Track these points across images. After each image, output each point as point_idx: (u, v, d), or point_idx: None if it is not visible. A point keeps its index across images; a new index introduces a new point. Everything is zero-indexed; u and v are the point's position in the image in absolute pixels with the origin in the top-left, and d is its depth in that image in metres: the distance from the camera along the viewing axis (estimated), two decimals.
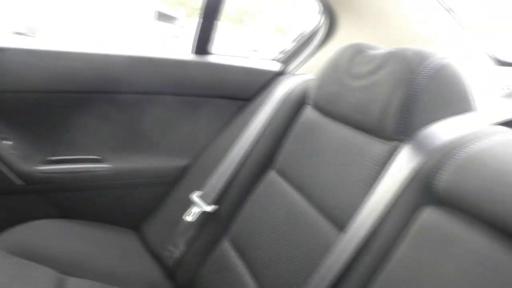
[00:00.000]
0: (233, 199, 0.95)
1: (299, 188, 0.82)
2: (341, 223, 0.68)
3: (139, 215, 1.13)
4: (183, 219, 0.97)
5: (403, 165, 0.61)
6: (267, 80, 1.17)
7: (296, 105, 0.95)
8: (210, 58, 1.15)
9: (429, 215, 0.54)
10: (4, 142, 0.98)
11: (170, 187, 1.13)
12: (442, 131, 0.61)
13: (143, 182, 1.11)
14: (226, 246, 0.91)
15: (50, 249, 0.91)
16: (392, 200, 0.60)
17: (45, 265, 0.86)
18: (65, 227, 1.01)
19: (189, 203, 0.98)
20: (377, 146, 0.68)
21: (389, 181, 0.62)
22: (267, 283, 0.75)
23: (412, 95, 0.64)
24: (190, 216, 0.96)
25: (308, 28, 1.22)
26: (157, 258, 1.02)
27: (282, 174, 0.88)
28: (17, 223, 0.96)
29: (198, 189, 0.99)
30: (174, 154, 1.15)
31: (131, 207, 1.12)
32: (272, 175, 0.91)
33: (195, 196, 0.98)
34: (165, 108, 1.13)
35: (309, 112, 0.90)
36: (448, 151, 0.56)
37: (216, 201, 0.95)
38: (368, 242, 0.60)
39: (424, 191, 0.56)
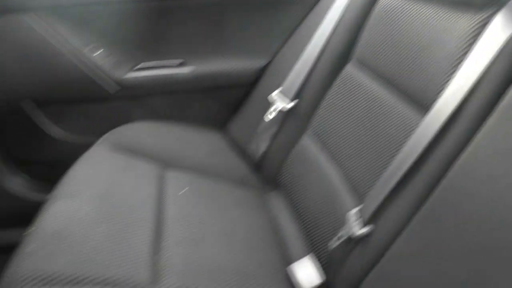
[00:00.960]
0: (312, 94, 0.96)
1: (379, 76, 0.80)
2: (424, 106, 0.66)
3: (224, 116, 1.20)
4: (265, 117, 1.02)
5: (494, 36, 0.56)
6: None
7: None
8: None
9: None
10: (97, 51, 1.07)
11: (251, 87, 1.17)
12: None
13: (225, 84, 1.16)
14: (308, 139, 0.94)
15: (148, 146, 1.02)
16: (481, 75, 0.56)
17: (148, 160, 0.97)
18: (158, 128, 1.11)
19: (270, 102, 1.02)
20: (465, 19, 0.63)
21: (478, 56, 0.58)
22: (349, 172, 0.78)
23: None
24: (272, 113, 1.00)
25: None
26: (243, 154, 1.09)
27: (361, 64, 0.87)
28: (115, 127, 1.07)
29: (277, 87, 1.02)
30: (253, 55, 1.17)
31: (215, 108, 1.18)
32: (351, 67, 0.89)
33: (275, 94, 1.01)
34: (241, 10, 1.13)
35: None
36: None
37: (296, 97, 0.97)
38: (453, 120, 0.58)
39: None
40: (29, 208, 0.76)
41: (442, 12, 0.69)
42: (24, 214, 0.83)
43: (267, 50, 1.16)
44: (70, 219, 0.72)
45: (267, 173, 1.03)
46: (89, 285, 0.62)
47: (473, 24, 0.62)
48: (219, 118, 1.20)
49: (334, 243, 0.69)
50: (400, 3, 0.79)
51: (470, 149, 0.54)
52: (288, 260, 0.82)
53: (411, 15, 0.76)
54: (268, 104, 1.02)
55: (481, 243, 0.47)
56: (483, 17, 0.61)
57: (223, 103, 1.18)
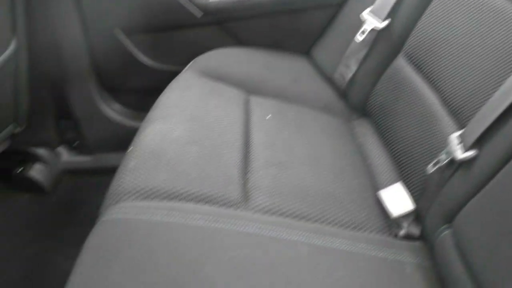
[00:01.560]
0: (407, 13, 0.88)
1: None
2: None
3: (310, 40, 1.15)
4: (354, 40, 0.96)
5: None
6: None
7: None
8: None
9: None
10: None
11: (338, 8, 1.09)
12: None
13: (312, 6, 1.10)
14: (400, 62, 0.87)
15: (233, 72, 1.02)
16: None
17: (233, 86, 0.98)
18: (242, 54, 1.10)
19: (360, 23, 0.95)
20: None
21: None
22: (450, 95, 0.72)
23: None
24: (361, 35, 0.94)
25: None
26: (329, 80, 1.05)
27: None
28: (200, 53, 1.08)
29: (368, 6, 0.94)
30: None
31: (300, 33, 1.13)
32: None
33: (366, 14, 0.94)
34: None
35: None
36: None
37: (389, 16, 0.90)
38: None
39: None
40: (125, 134, 0.81)
41: None
42: (121, 140, 0.89)
43: None
44: (164, 140, 0.76)
45: (354, 99, 0.99)
46: (185, 200, 0.66)
47: None
48: (304, 43, 1.15)
49: (431, 168, 0.65)
50: None
51: None
52: (377, 186, 0.80)
53: None
54: (357, 26, 0.95)
55: None
56: None
57: (309, 27, 1.13)
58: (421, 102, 0.77)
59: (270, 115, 0.91)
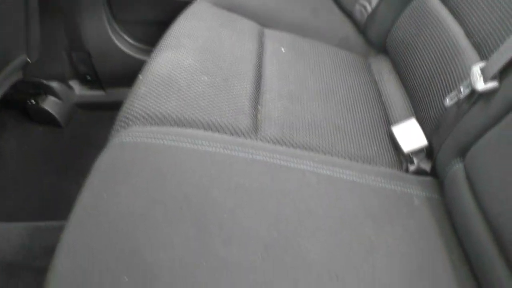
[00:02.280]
0: None
1: None
2: None
3: None
4: None
5: None
6: None
7: None
8: None
9: None
10: None
11: None
12: None
13: None
14: None
15: (248, 3, 0.98)
16: None
17: (247, 17, 0.94)
18: None
19: None
20: None
21: None
22: (473, 27, 0.68)
23: None
24: None
25: None
26: (348, 14, 1.01)
27: None
28: None
29: None
30: None
31: None
32: None
33: None
34: None
35: None
36: None
37: None
38: None
39: None
40: (138, 68, 0.79)
41: None
42: (134, 74, 0.88)
43: None
44: (175, 68, 0.74)
45: (373, 34, 0.95)
46: (195, 128, 0.66)
47: None
48: None
49: (450, 101, 0.63)
50: None
51: None
52: (390, 122, 0.78)
53: None
54: None
55: None
56: None
57: None
58: (445, 35, 0.73)
59: (284, 48, 0.88)
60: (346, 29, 0.99)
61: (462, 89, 0.60)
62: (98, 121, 1.27)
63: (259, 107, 0.73)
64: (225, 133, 0.66)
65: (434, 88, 0.71)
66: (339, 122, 0.74)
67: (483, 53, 0.64)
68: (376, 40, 0.94)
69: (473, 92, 0.58)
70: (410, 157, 0.70)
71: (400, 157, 0.71)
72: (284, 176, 0.60)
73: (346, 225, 0.56)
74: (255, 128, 0.69)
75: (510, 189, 0.49)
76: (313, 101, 0.77)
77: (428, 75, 0.73)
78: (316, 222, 0.55)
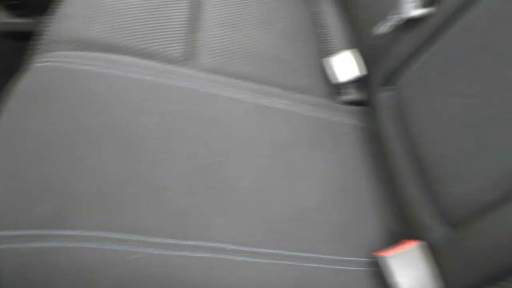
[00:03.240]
0: None
1: None
2: None
3: None
4: None
5: None
6: None
7: None
8: None
9: None
10: None
11: None
12: None
13: None
14: None
15: None
16: None
17: None
18: None
19: None
20: None
21: None
22: None
23: None
24: None
25: None
26: None
27: None
28: None
29: None
30: None
31: None
32: None
33: None
34: None
35: None
36: None
37: None
38: None
39: None
40: None
41: None
42: None
43: None
44: None
45: None
46: (124, 54, 0.63)
47: None
48: None
49: (381, 29, 0.63)
50: None
51: None
52: (329, 53, 0.78)
53: None
54: None
55: None
56: None
57: None
58: None
59: None
60: None
61: (393, 16, 0.61)
62: (22, 51, 1.18)
63: (195, 34, 0.70)
64: (158, 60, 0.64)
65: (368, 18, 0.71)
66: (278, 53, 0.73)
67: None
68: None
69: (403, 19, 0.59)
70: (345, 88, 0.71)
71: (336, 88, 0.72)
72: (217, 104, 0.60)
73: (277, 152, 0.57)
74: (190, 56, 0.66)
75: (438, 117, 0.51)
76: (253, 30, 0.75)
77: (365, 3, 0.73)
78: (246, 149, 0.55)
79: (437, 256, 0.46)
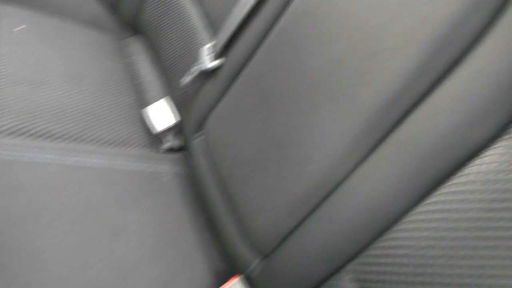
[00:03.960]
0: None
1: None
2: None
3: None
4: None
5: None
6: None
7: None
8: None
9: None
10: None
11: None
12: None
13: None
14: None
15: None
16: None
17: None
18: None
19: None
20: None
21: None
22: (209, 7, 0.73)
23: None
24: None
25: None
26: None
27: None
28: None
29: None
30: None
31: None
32: None
33: None
34: None
35: None
36: None
37: None
38: None
39: None
40: None
41: None
42: None
43: None
44: None
45: (125, 13, 0.93)
46: None
47: None
48: None
49: (186, 79, 0.67)
50: None
51: None
52: (145, 103, 0.79)
53: None
54: None
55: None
56: None
57: None
58: (185, 16, 0.77)
59: (22, 27, 0.78)
60: (96, 7, 0.94)
61: (194, 69, 0.65)
62: None
63: None
64: None
65: (180, 68, 0.74)
66: (89, 107, 0.71)
67: (215, 33, 0.70)
68: (129, 19, 0.93)
69: (204, 69, 0.63)
70: (163, 136, 0.72)
71: (153, 138, 0.73)
72: (17, 171, 0.54)
73: (90, 213, 0.54)
74: None
75: (236, 158, 0.55)
76: (59, 85, 0.71)
77: (175, 56, 0.76)
78: (53, 215, 0.51)
79: (255, 286, 0.49)
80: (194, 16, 0.75)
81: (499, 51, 0.34)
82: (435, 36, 0.37)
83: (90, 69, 0.78)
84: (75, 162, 0.59)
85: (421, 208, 0.37)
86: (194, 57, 0.71)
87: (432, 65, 0.38)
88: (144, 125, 0.74)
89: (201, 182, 0.62)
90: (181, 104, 0.72)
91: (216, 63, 0.61)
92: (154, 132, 0.72)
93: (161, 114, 0.74)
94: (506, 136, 0.34)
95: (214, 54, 0.63)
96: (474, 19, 0.36)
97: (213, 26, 0.70)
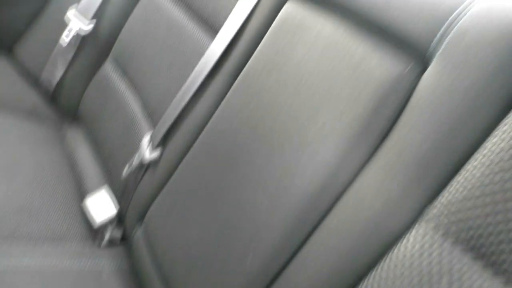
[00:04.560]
0: (113, 15, 0.88)
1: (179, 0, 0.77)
2: (215, 29, 0.66)
3: (10, 36, 1.01)
4: (61, 40, 0.90)
5: None
6: None
7: None
8: None
9: (290, 8, 0.54)
10: None
11: (43, 3, 1.00)
12: None
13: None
14: (108, 67, 0.87)
15: None
16: None
17: None
18: None
19: (66, 21, 0.89)
20: None
21: None
22: (147, 98, 0.75)
23: None
24: (68, 36, 0.89)
25: None
26: (35, 82, 0.95)
27: None
28: None
29: (75, 5, 0.90)
30: None
31: (1, 27, 0.99)
32: None
33: (71, 14, 0.89)
34: None
35: None
36: None
37: (94, 17, 0.87)
38: (236, 40, 0.59)
39: None
40: None
41: None
42: None
43: None
44: None
45: (64, 103, 0.93)
46: None
47: None
48: (5, 39, 1.01)
49: (127, 171, 0.66)
50: None
51: (248, 66, 0.56)
52: (85, 194, 0.77)
53: None
54: (64, 25, 0.90)
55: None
56: None
57: (9, 21, 0.99)
58: (125, 106, 0.78)
59: None
60: (34, 98, 0.93)
61: (134, 160, 0.65)
62: None
63: None
64: None
65: (120, 158, 0.73)
66: (24, 202, 0.68)
67: (154, 124, 0.71)
68: (68, 109, 0.93)
69: (143, 161, 0.63)
70: (103, 228, 0.70)
71: (93, 230, 0.70)
72: None
73: None
74: None
75: (179, 246, 0.54)
76: None
77: (115, 146, 0.76)
78: None
79: None
80: (133, 106, 0.77)
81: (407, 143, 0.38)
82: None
83: (26, 162, 0.76)
84: (4, 267, 0.56)
85: None
86: (134, 147, 0.71)
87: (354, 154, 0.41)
88: (83, 217, 0.71)
89: (143, 277, 0.60)
90: (121, 194, 0.71)
91: (155, 154, 0.62)
92: (94, 224, 0.69)
93: (101, 205, 0.72)
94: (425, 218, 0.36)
95: (153, 144, 0.63)
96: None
97: (152, 117, 0.72)
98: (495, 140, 0.32)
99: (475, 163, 0.33)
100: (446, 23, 0.38)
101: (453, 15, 0.38)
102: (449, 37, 0.37)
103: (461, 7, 0.38)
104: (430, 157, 0.36)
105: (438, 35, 0.38)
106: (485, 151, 0.33)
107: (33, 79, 0.95)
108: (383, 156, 0.39)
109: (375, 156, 0.40)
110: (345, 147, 0.42)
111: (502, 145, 0.31)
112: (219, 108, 0.58)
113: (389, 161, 0.38)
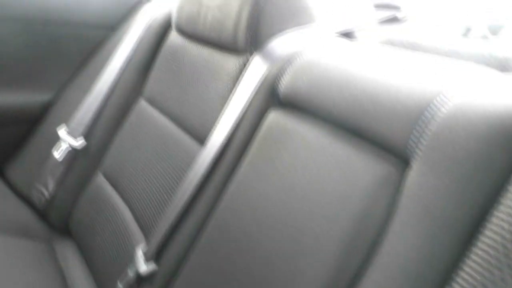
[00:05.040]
0: (102, 132, 0.92)
1: (166, 113, 0.82)
2: (203, 140, 0.70)
3: (1, 156, 1.04)
4: (51, 157, 0.93)
5: (253, 74, 0.64)
6: (131, 6, 1.10)
7: (161, 30, 0.92)
8: None
9: (273, 116, 0.58)
10: None
11: (34, 124, 1.05)
12: (285, 41, 0.64)
13: (3, 121, 1.02)
14: (99, 180, 0.89)
15: None
16: (244, 108, 0.63)
17: None
18: None
19: (56, 140, 0.93)
20: (231, 61, 0.70)
21: (241, 91, 0.64)
22: (139, 211, 0.76)
23: (258, 9, 0.66)
24: (58, 153, 0.92)
25: None
26: (26, 199, 0.96)
27: (151, 101, 0.87)
28: None
29: (64, 124, 0.94)
30: (36, 88, 1.05)
31: None
32: (142, 104, 0.89)
33: (61, 132, 0.93)
34: (22, 38, 1.01)
35: (173, 37, 0.88)
36: (288, 59, 0.60)
37: (85, 135, 0.91)
38: (224, 151, 0.63)
39: (270, 95, 0.60)
40: None
41: (216, 53, 0.74)
42: None
43: (52, 84, 1.07)
44: None
45: (55, 219, 0.93)
46: None
47: (238, 63, 0.69)
48: None
49: (120, 284, 0.65)
50: (184, 43, 0.83)
51: (238, 176, 0.58)
52: None
53: (193, 55, 0.80)
54: (54, 142, 0.93)
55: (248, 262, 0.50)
56: (244, 58, 0.68)
57: (1, 142, 1.03)
58: (116, 220, 0.79)
59: None
60: (25, 215, 0.94)
61: (129, 272, 0.64)
62: None
63: None
64: None
65: (113, 272, 0.72)
66: None
67: (147, 236, 0.71)
68: (59, 224, 0.92)
69: (138, 273, 0.63)
70: None
71: None
72: None
73: None
74: None
75: None
76: None
77: (106, 260, 0.75)
78: None
79: None
80: (125, 218, 0.77)
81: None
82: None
83: (17, 284, 0.74)
84: None
85: None
86: (127, 261, 0.70)
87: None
88: None
89: None
90: None
91: (151, 267, 0.61)
92: None
93: None
94: None
95: (146, 258, 0.63)
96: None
97: (144, 229, 0.72)
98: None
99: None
100: (419, 123, 0.42)
101: (424, 115, 0.42)
102: (423, 138, 0.41)
103: (430, 106, 0.42)
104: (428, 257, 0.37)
105: (412, 136, 0.42)
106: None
107: (24, 197, 0.96)
108: (380, 261, 0.41)
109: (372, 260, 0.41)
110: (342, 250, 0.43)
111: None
112: (212, 222, 0.59)
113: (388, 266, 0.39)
